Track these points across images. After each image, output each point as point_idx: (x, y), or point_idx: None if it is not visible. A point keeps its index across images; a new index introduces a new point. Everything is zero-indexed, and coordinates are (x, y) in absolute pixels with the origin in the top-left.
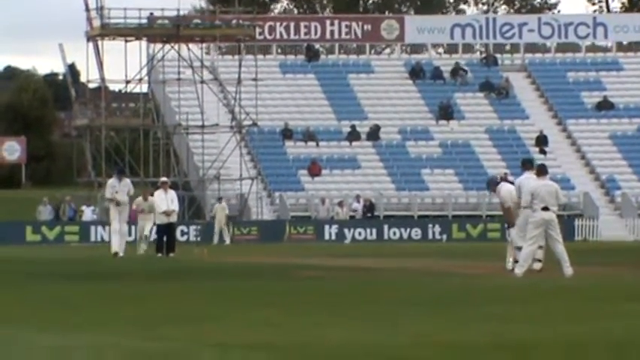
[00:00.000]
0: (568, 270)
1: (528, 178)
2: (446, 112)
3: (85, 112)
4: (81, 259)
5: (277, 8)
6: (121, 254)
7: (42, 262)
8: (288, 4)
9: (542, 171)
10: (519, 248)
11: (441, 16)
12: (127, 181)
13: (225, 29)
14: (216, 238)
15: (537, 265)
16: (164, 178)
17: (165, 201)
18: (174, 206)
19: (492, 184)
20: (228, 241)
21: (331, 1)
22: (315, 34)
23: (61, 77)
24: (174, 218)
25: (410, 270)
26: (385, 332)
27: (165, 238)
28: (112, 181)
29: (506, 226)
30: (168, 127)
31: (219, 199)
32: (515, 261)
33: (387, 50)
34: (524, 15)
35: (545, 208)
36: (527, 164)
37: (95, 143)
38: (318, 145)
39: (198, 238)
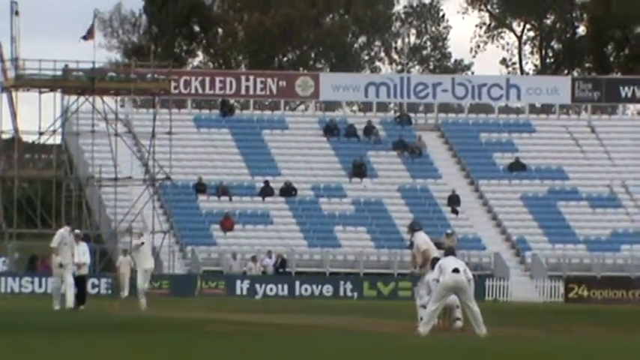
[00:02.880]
0: (481, 330)
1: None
2: (359, 170)
3: None
4: None
5: (193, 63)
6: (70, 305)
7: None
8: (203, 59)
9: (450, 252)
10: (424, 306)
11: (356, 74)
12: (78, 232)
13: (140, 83)
14: (126, 291)
15: (459, 324)
16: (76, 231)
17: (77, 253)
18: (86, 259)
19: (414, 227)
20: (126, 294)
21: (247, 56)
22: (230, 89)
23: None
24: (85, 271)
25: (321, 327)
26: None
27: (75, 291)
28: (62, 231)
29: (415, 269)
30: (81, 179)
31: (124, 252)
32: (421, 318)
33: (302, 107)
34: (439, 75)
35: (456, 270)
36: (449, 254)
37: (7, 194)
38: (231, 199)
39: (109, 291)
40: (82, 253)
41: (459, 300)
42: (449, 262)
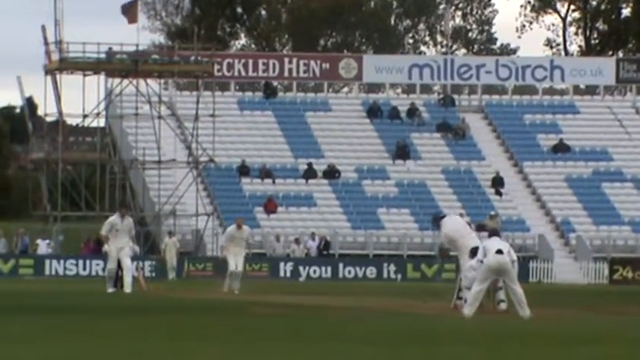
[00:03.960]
0: (525, 312)
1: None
2: (403, 152)
3: (42, 146)
4: (36, 293)
5: (236, 45)
6: (128, 290)
7: None
8: (247, 41)
9: (493, 234)
10: (469, 288)
11: (400, 55)
12: (130, 220)
13: (183, 65)
14: (173, 273)
15: (503, 306)
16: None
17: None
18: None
19: (436, 220)
20: (172, 275)
21: (290, 39)
22: (274, 71)
23: (18, 110)
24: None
25: (365, 309)
26: None
27: (119, 273)
28: (113, 219)
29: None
30: (125, 162)
31: (170, 234)
32: (459, 298)
33: (345, 89)
34: (482, 56)
35: (500, 252)
36: (493, 235)
37: (52, 177)
38: (274, 182)
39: (154, 274)
40: None
41: (503, 282)
42: (493, 244)
